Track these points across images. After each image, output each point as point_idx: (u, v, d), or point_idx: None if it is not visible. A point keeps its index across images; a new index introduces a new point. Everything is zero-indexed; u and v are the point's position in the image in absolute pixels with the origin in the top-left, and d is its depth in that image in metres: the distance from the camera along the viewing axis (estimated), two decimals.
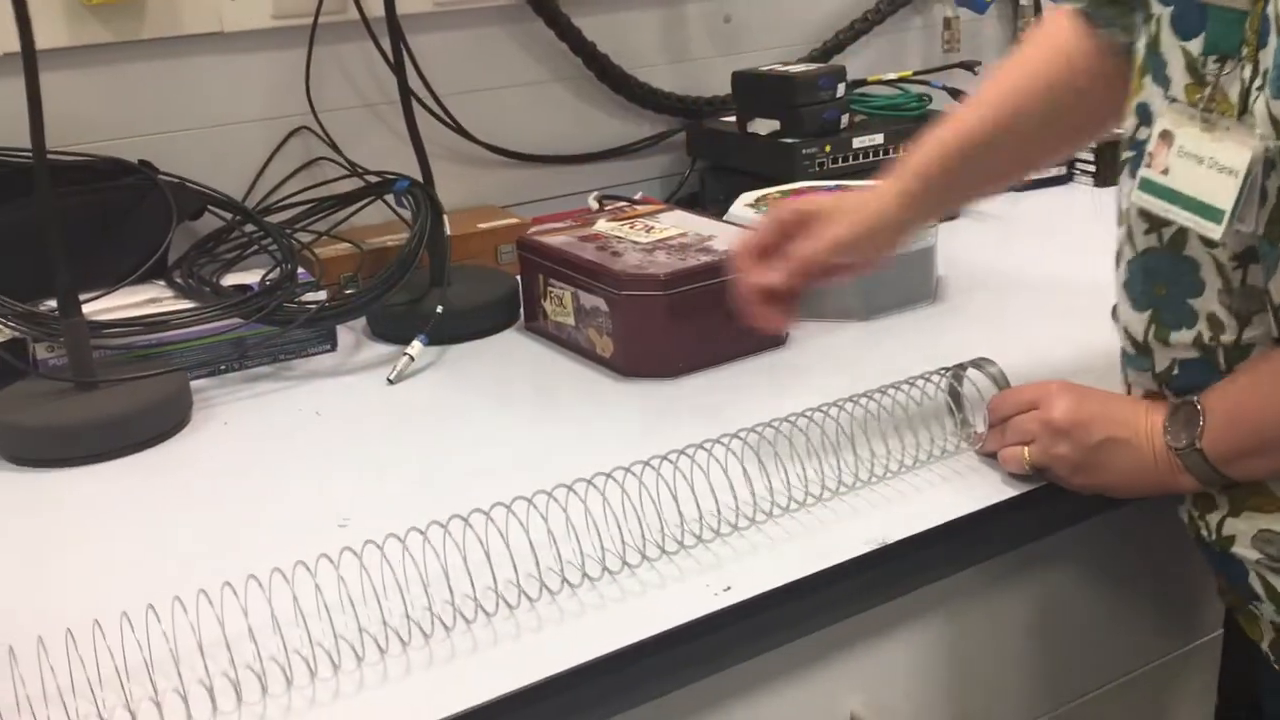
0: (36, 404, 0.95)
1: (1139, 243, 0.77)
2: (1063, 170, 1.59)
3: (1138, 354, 0.81)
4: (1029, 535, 0.85)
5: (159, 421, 0.97)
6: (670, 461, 0.78)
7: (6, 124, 1.02)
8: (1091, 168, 1.55)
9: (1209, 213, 0.70)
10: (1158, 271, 0.76)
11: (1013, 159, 0.91)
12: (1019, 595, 0.88)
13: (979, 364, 0.89)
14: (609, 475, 0.76)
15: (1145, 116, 0.76)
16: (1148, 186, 0.73)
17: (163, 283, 1.13)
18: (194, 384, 1.05)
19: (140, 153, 1.19)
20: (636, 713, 0.70)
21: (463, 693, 0.64)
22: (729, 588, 0.72)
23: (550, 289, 1.11)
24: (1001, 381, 0.88)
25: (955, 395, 0.89)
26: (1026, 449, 0.81)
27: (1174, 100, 0.72)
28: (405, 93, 1.16)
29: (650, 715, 0.71)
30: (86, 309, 0.98)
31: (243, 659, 0.66)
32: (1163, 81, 0.73)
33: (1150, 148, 0.73)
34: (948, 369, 0.89)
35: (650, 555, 0.75)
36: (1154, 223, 0.76)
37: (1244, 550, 0.76)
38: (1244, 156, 0.68)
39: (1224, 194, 0.69)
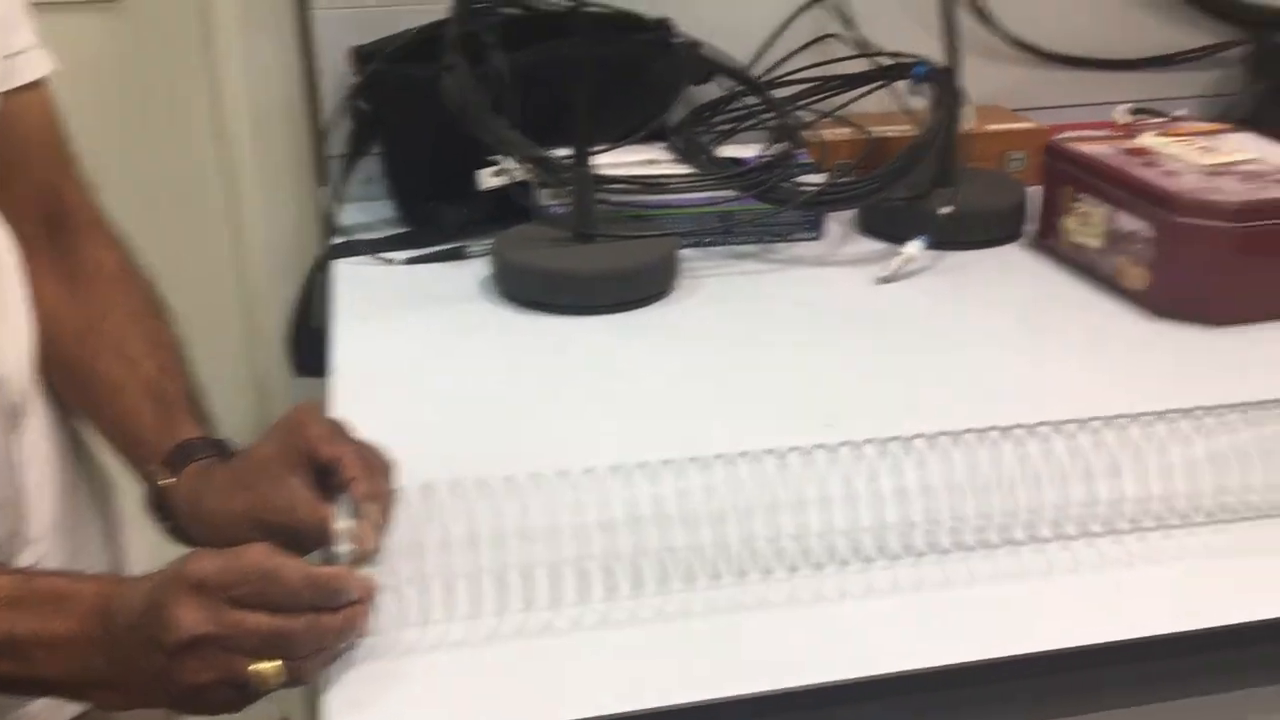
0: (538, 248, 0.96)
1: None
2: None
3: None
4: None
5: (649, 284, 0.95)
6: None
7: None
8: None
9: None
10: None
11: None
12: None
13: None
14: (1133, 418, 0.64)
15: None
16: None
17: (662, 145, 1.11)
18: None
19: (663, 9, 1.16)
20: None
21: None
22: None
23: (1077, 205, 0.97)
24: None
25: None
26: None
27: None
28: None
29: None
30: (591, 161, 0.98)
31: (714, 538, 0.61)
32: None
33: None
34: None
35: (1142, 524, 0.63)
36: None
37: None
38: None
39: None
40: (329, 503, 0.60)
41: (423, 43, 1.07)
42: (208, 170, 1.20)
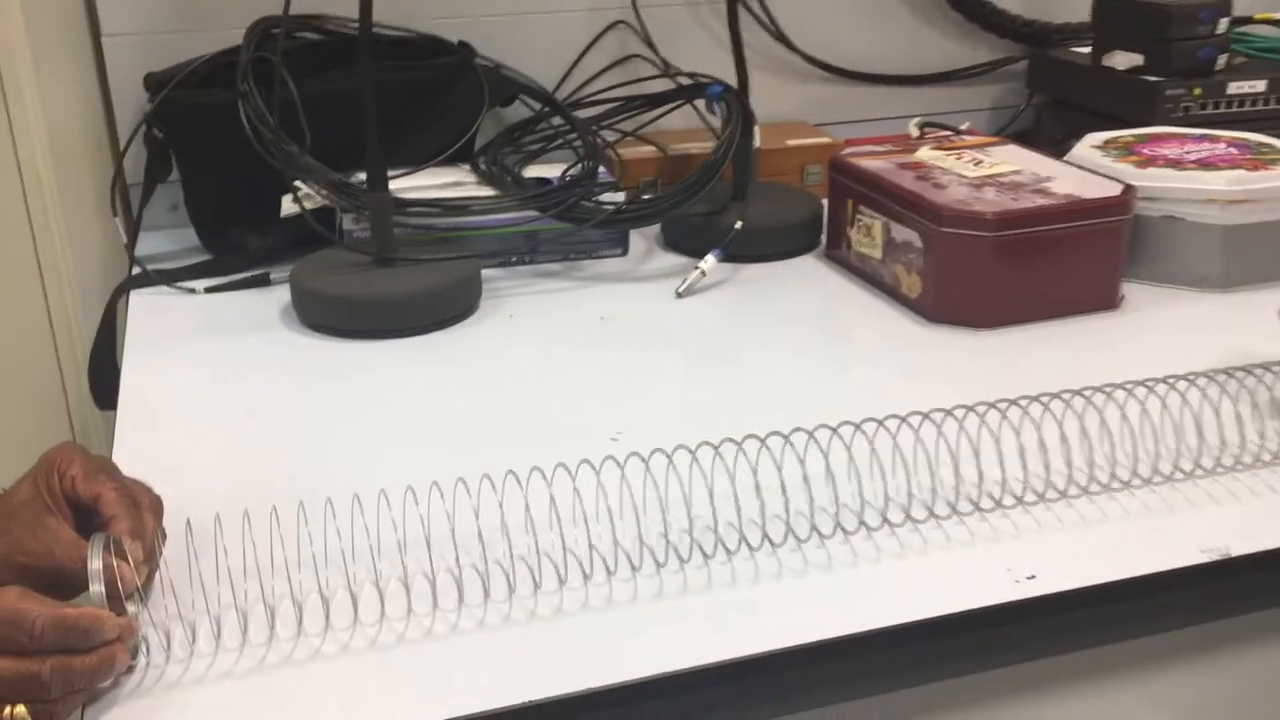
0: (337, 274, 0.97)
1: None
2: None
3: None
4: None
5: (450, 305, 0.96)
6: (975, 414, 0.69)
7: None
8: None
9: None
10: None
11: None
12: None
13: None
14: (903, 420, 0.68)
15: None
16: None
17: (467, 167, 1.13)
18: (483, 273, 1.04)
19: (462, 33, 1.17)
20: (893, 699, 0.63)
21: (675, 638, 0.59)
22: (1033, 576, 0.63)
23: (859, 217, 1.02)
24: None
25: None
26: None
27: None
28: None
29: (908, 705, 0.64)
30: (392, 185, 0.98)
31: (493, 554, 0.63)
32: None
33: None
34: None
35: (917, 517, 0.67)
36: None
37: None
38: None
39: None
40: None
41: (218, 68, 1.06)
42: (11, 202, 1.17)
